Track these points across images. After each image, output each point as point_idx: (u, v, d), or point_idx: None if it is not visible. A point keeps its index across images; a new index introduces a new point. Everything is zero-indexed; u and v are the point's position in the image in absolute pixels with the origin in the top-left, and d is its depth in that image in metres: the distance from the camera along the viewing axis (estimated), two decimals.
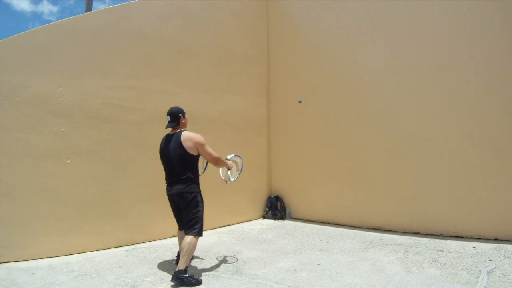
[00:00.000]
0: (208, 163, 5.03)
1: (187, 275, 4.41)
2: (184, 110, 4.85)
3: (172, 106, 4.93)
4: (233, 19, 7.52)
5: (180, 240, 4.96)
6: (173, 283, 4.37)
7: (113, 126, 5.80)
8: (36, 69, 5.25)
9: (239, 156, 5.19)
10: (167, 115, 4.78)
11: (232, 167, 5.03)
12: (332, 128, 7.30)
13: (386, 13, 6.66)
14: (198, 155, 4.71)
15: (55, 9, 45.41)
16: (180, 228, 4.91)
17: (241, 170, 5.16)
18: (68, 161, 5.40)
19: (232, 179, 5.05)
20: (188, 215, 4.63)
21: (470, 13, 5.90)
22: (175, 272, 4.42)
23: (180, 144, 4.57)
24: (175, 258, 5.12)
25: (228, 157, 5.10)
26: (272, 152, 8.21)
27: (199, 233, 4.61)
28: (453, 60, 6.00)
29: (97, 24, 5.75)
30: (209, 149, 4.66)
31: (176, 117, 4.75)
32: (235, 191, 7.26)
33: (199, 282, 4.42)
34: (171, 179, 4.70)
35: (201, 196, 4.75)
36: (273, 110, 8.18)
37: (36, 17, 43.68)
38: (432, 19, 6.20)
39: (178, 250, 5.11)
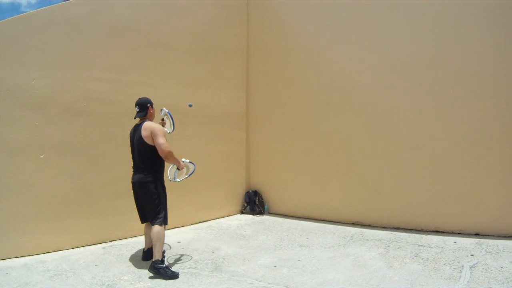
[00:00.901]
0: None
1: (164, 265, 4.50)
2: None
3: (150, 99, 4.99)
4: (213, 10, 7.34)
5: (147, 235, 5.00)
6: (149, 282, 4.29)
7: (88, 120, 5.60)
8: (10, 60, 5.02)
9: (193, 164, 5.08)
10: (136, 105, 4.86)
11: (182, 169, 4.96)
12: (313, 123, 7.24)
13: (371, 10, 6.62)
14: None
15: (33, 0, 44.06)
16: (142, 221, 4.95)
17: (190, 175, 5.07)
18: (42, 156, 5.18)
19: (177, 179, 5.00)
20: (150, 204, 4.68)
21: (460, 9, 5.91)
22: (152, 262, 4.50)
23: (140, 134, 4.64)
24: (144, 252, 5.10)
25: (183, 159, 5.00)
26: (250, 146, 8.11)
27: (164, 222, 4.67)
28: (440, 56, 6.01)
29: (73, 14, 5.52)
30: (162, 140, 4.58)
31: (144, 107, 4.84)
32: (212, 186, 7.18)
33: (175, 275, 4.47)
34: (134, 168, 4.81)
35: (162, 185, 4.78)
36: (252, 104, 8.07)
37: (15, 9, 42.32)
38: (420, 15, 6.19)
39: (144, 246, 5.13)
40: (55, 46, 5.35)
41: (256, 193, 7.92)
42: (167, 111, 5.21)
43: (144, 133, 4.62)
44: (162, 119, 5.29)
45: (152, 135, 4.60)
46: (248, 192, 7.98)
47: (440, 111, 6.02)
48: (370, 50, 6.61)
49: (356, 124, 6.75)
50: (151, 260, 4.56)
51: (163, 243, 4.61)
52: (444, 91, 5.99)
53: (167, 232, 4.95)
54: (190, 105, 5.64)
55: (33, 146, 5.13)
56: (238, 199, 7.92)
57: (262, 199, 7.90)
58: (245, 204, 7.90)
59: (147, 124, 4.69)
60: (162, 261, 4.54)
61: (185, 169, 5.03)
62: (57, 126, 5.32)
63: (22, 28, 5.11)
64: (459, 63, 5.89)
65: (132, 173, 4.83)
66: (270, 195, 7.89)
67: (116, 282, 4.31)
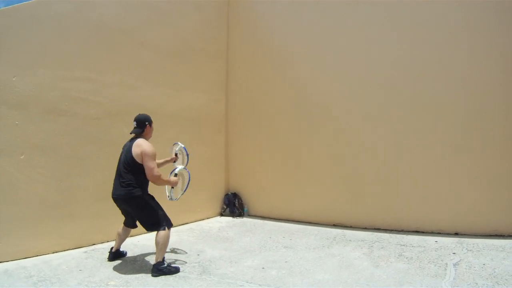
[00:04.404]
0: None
1: (165, 265, 4.60)
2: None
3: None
4: (194, 13, 7.31)
5: (119, 236, 5.03)
6: (138, 287, 4.23)
7: (70, 120, 5.43)
8: None
9: (186, 170, 5.10)
10: (134, 121, 4.80)
11: (176, 185, 4.94)
12: (292, 126, 7.31)
13: (349, 21, 6.78)
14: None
15: None
16: (132, 227, 5.01)
17: (187, 187, 5.09)
18: (23, 156, 4.97)
19: (174, 198, 5.02)
20: (145, 217, 4.69)
21: (437, 11, 6.11)
22: (154, 265, 4.57)
23: (130, 149, 4.59)
24: (109, 253, 5.11)
25: (176, 170, 4.99)
26: (230, 149, 8.10)
27: (168, 226, 4.69)
28: (419, 62, 6.20)
29: (56, 11, 5.33)
30: (151, 164, 4.52)
31: (142, 124, 4.77)
32: (192, 188, 7.02)
33: (178, 269, 4.66)
34: (115, 181, 4.72)
35: (149, 195, 4.75)
36: (231, 107, 8.06)
37: None
38: (398, 20, 6.39)
39: (112, 246, 5.11)
40: (37, 43, 5.16)
41: (235, 195, 7.90)
42: (183, 146, 5.22)
43: (135, 149, 4.54)
44: (176, 154, 5.29)
45: (143, 154, 4.51)
46: (227, 194, 7.96)
47: (419, 117, 6.21)
48: (351, 55, 6.74)
49: (336, 127, 6.87)
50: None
51: (167, 246, 4.69)
52: (423, 99, 6.19)
53: (149, 236, 4.88)
54: None
55: (13, 146, 4.91)
56: (217, 201, 7.89)
57: (241, 201, 7.89)
58: (225, 207, 7.86)
59: (139, 142, 4.60)
60: (163, 262, 4.59)
61: (180, 183, 5.02)
62: (39, 126, 5.13)
63: (3, 23, 4.89)
64: (436, 69, 6.11)
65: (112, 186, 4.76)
66: (250, 198, 7.89)
67: None
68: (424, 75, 6.16)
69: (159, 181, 4.61)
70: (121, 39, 6.08)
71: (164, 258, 4.62)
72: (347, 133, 6.77)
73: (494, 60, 5.83)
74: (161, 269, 4.53)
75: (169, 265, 4.65)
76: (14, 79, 4.89)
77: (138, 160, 4.53)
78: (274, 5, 7.53)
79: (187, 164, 5.20)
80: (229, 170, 8.12)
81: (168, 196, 5.03)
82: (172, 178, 4.85)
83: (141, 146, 4.55)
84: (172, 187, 4.93)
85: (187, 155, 5.21)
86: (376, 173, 6.51)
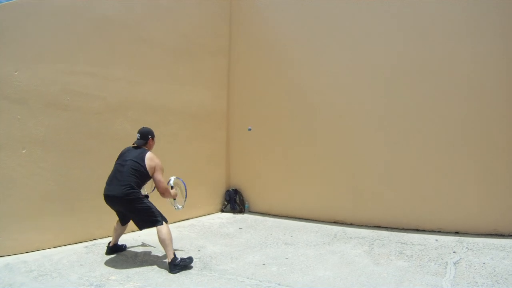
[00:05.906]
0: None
1: (179, 259, 4.62)
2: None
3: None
4: (197, 9, 7.29)
5: (116, 231, 5.13)
6: (139, 282, 4.24)
7: (71, 114, 5.43)
8: None
9: (179, 179, 5.38)
10: (138, 133, 5.03)
11: (177, 195, 5.21)
12: (293, 123, 7.30)
13: (349, 17, 6.76)
14: (150, 178, 4.84)
15: None
16: (123, 223, 5.10)
17: (186, 193, 5.38)
18: (24, 151, 4.98)
19: (179, 207, 5.31)
20: (140, 215, 4.72)
21: (439, 12, 6.10)
22: (169, 263, 4.57)
23: (142, 159, 4.77)
24: (107, 247, 5.19)
25: (171, 182, 5.22)
26: (231, 145, 8.09)
27: (163, 221, 4.73)
28: (421, 62, 6.18)
29: (57, 6, 5.33)
30: (162, 178, 4.86)
31: (145, 137, 5.03)
32: (193, 184, 7.04)
33: (191, 259, 4.78)
34: (113, 181, 4.74)
35: (143, 195, 4.83)
36: (232, 103, 8.05)
37: None
38: (400, 20, 6.37)
39: (110, 241, 5.20)
40: (38, 38, 5.15)
41: (236, 192, 7.91)
42: (181, 180, 5.41)
43: (148, 162, 4.77)
44: (172, 187, 5.32)
45: (156, 167, 4.80)
46: (228, 190, 7.96)
47: (420, 115, 6.21)
48: (353, 53, 6.72)
49: (337, 125, 6.86)
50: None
51: (172, 241, 4.68)
52: (424, 99, 6.18)
53: (150, 231, 4.89)
54: (249, 129, 5.88)
55: (14, 140, 4.92)
56: (218, 197, 7.89)
57: (242, 197, 7.89)
58: (226, 203, 7.86)
59: (152, 156, 4.85)
60: (176, 257, 4.61)
61: (178, 192, 5.27)
62: (40, 121, 5.13)
63: (5, 17, 4.88)
64: (438, 69, 6.09)
65: (106, 184, 4.81)
66: (250, 194, 7.90)
67: (104, 282, 4.20)
68: (425, 75, 6.14)
69: (167, 193, 4.92)
70: (123, 34, 6.07)
71: (175, 253, 4.63)
72: (349, 130, 6.76)
73: (496, 60, 5.80)
74: (177, 264, 4.56)
75: (182, 259, 4.66)
76: (15, 73, 4.89)
77: (149, 171, 4.76)
78: (277, 3, 7.49)
79: (186, 197, 5.41)
80: (230, 167, 8.11)
81: (175, 207, 5.26)
82: (172, 191, 5.09)
83: (154, 160, 4.81)
84: (174, 199, 5.18)
85: (185, 187, 5.42)
86: (377, 171, 6.50)
